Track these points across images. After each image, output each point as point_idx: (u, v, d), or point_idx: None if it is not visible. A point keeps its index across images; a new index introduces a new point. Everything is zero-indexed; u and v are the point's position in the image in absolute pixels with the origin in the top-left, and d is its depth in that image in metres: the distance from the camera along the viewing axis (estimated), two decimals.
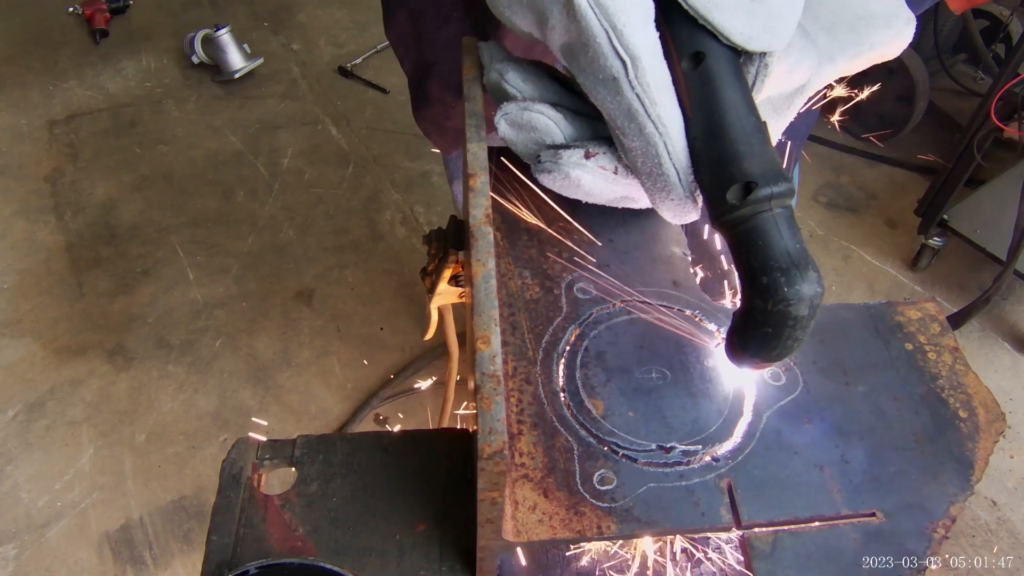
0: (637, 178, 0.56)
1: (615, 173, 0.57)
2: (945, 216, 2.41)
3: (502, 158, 0.75)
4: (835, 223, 2.78)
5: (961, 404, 0.67)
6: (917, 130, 2.91)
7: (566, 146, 0.57)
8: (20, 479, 2.10)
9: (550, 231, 0.76)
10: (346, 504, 0.64)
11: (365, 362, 2.34)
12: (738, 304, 0.53)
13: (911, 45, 0.61)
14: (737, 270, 0.51)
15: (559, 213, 0.76)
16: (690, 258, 0.77)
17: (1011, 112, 2.20)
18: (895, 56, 0.62)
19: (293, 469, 0.66)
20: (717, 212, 0.50)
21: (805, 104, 0.62)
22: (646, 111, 0.50)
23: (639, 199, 0.61)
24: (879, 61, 0.61)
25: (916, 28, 0.61)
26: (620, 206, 0.64)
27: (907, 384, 0.68)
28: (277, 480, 0.69)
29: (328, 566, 0.57)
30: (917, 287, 2.56)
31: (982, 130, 2.22)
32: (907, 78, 2.73)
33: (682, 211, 0.56)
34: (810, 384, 0.67)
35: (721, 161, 0.50)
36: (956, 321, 2.34)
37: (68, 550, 1.96)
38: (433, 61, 0.99)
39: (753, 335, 0.51)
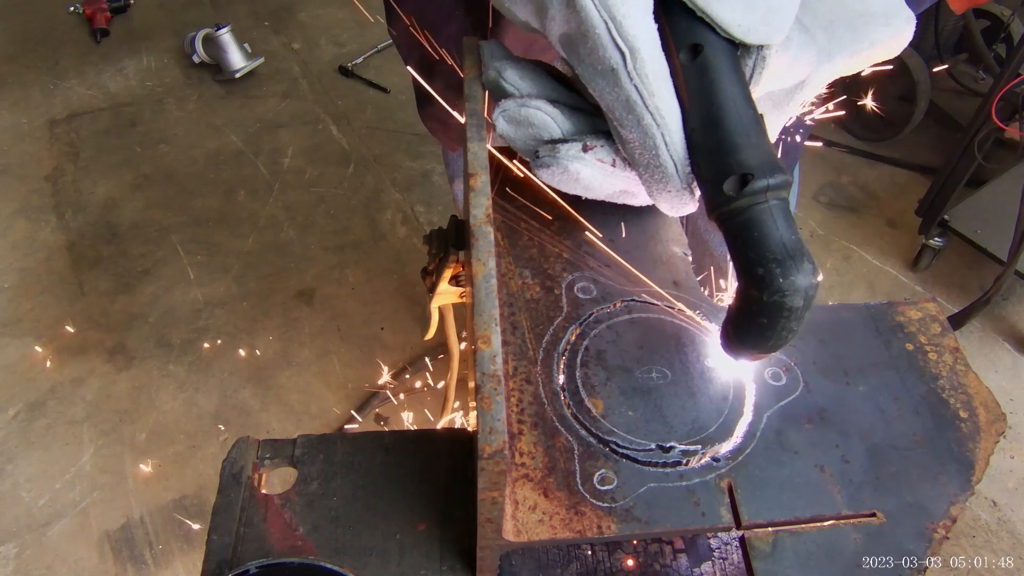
0: (635, 170, 0.56)
1: (613, 166, 0.57)
2: (946, 216, 2.40)
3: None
4: (836, 223, 2.78)
5: (962, 404, 0.67)
6: (918, 130, 2.91)
7: (564, 140, 0.57)
8: (21, 478, 2.10)
9: (551, 231, 0.76)
10: (346, 503, 0.64)
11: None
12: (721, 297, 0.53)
13: (912, 45, 0.61)
14: (733, 261, 0.51)
15: (559, 212, 0.76)
16: (690, 258, 0.77)
17: (1012, 112, 2.20)
18: (895, 55, 0.62)
19: (294, 468, 0.66)
20: (714, 203, 0.51)
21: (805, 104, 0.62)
22: (644, 102, 0.50)
23: (638, 193, 0.61)
24: (879, 60, 0.61)
25: (916, 27, 0.61)
26: (619, 201, 0.64)
27: (907, 384, 0.68)
28: (278, 479, 0.69)
29: (328, 565, 0.57)
30: (918, 287, 2.56)
31: (983, 130, 2.22)
32: (908, 78, 2.73)
33: (679, 203, 0.56)
34: (811, 384, 0.67)
35: (718, 152, 0.50)
36: (957, 321, 2.33)
37: (69, 549, 1.96)
38: (436, 59, 0.99)
39: (749, 326, 0.52)
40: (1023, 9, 2.62)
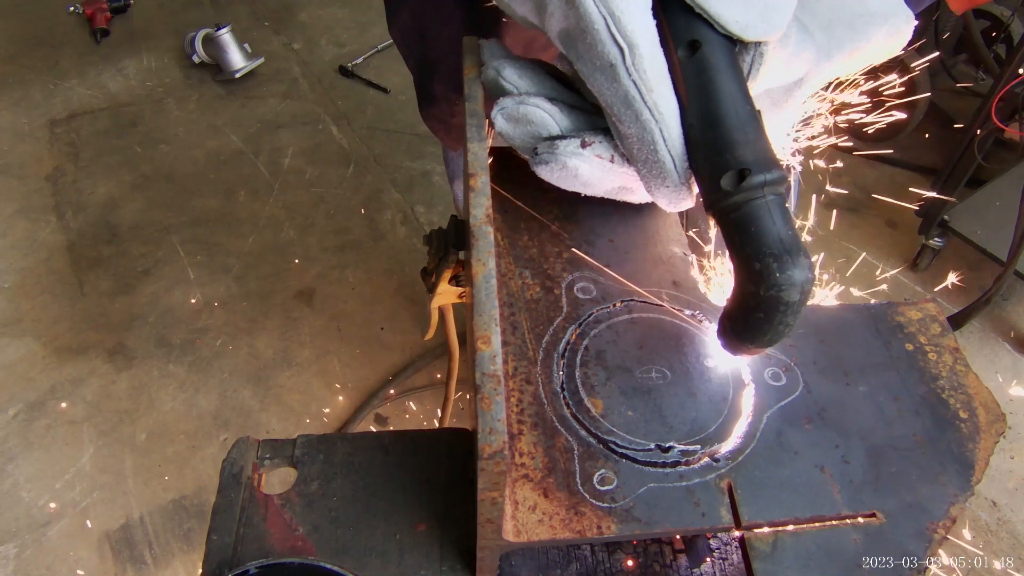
0: (633, 166, 0.56)
1: (611, 162, 0.57)
2: (946, 216, 2.40)
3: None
4: (836, 223, 2.78)
5: (961, 405, 0.67)
6: (918, 130, 2.91)
7: (562, 137, 0.57)
8: (21, 478, 2.10)
9: (551, 231, 0.76)
10: (346, 504, 0.64)
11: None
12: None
13: (911, 45, 0.62)
14: (730, 256, 0.51)
15: (560, 213, 0.76)
16: (690, 258, 0.77)
17: (1012, 113, 2.20)
18: (895, 55, 0.62)
19: (294, 469, 0.66)
20: (711, 199, 0.51)
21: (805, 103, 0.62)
22: (643, 98, 0.51)
23: (636, 189, 0.61)
24: (879, 60, 0.61)
25: (916, 27, 0.61)
26: (618, 198, 0.65)
27: (907, 384, 0.68)
28: (277, 480, 0.69)
29: (328, 566, 0.57)
30: (918, 287, 2.56)
31: (983, 131, 2.22)
32: (908, 78, 2.73)
33: (677, 198, 0.57)
34: (810, 384, 0.67)
35: (716, 148, 0.51)
36: (957, 321, 2.33)
37: (68, 549, 1.96)
38: (437, 59, 0.99)
39: (745, 320, 0.52)
40: (1023, 9, 2.62)
